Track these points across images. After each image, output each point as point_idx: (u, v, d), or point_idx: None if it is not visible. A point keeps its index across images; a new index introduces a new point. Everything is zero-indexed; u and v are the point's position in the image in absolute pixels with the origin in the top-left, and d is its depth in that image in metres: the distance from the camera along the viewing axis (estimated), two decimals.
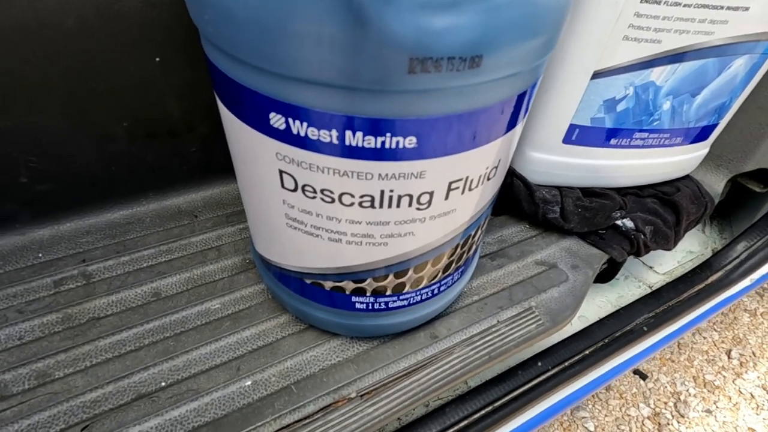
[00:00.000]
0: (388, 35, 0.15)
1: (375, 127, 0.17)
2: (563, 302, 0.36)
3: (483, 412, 0.35)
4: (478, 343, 0.32)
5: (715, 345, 0.92)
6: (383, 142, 0.18)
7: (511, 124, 0.21)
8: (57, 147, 0.33)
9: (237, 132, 0.21)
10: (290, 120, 0.18)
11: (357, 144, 0.18)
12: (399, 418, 0.36)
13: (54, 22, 0.26)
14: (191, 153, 0.39)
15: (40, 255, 0.36)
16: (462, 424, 0.34)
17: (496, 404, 0.36)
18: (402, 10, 0.15)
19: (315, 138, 0.18)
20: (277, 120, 0.18)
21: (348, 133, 0.18)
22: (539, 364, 0.38)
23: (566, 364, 0.39)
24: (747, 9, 0.32)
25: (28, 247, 0.36)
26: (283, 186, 0.21)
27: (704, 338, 0.93)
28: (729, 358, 0.90)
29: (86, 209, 0.38)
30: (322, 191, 0.20)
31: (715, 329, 0.95)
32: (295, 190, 0.21)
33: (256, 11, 0.15)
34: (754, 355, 0.91)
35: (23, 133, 0.31)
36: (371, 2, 0.14)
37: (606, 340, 0.42)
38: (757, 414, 0.81)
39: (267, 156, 0.20)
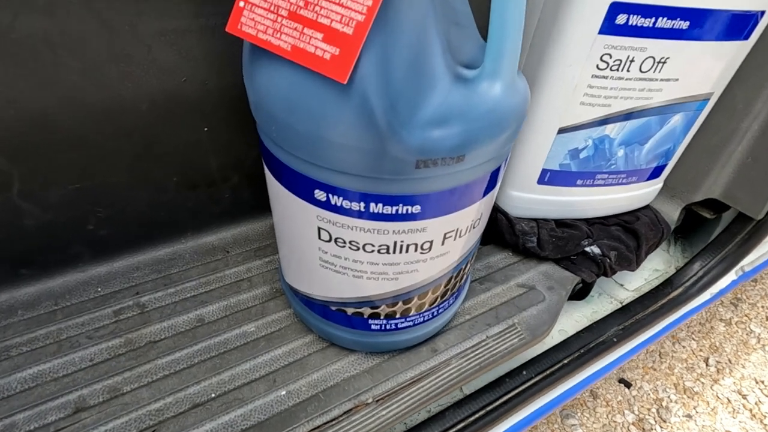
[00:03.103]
0: (403, 146, 0.22)
1: (391, 200, 0.25)
2: (541, 319, 0.43)
3: (477, 415, 0.41)
4: (471, 356, 0.39)
5: (693, 353, 0.98)
6: (397, 210, 0.25)
7: (488, 190, 0.28)
8: (120, 199, 0.40)
9: (284, 199, 0.28)
10: (330, 195, 0.25)
11: (378, 211, 0.25)
12: (405, 423, 0.42)
13: (133, 106, 0.34)
14: (224, 198, 0.46)
15: (99, 289, 0.42)
16: (459, 426, 0.41)
17: (488, 408, 0.42)
18: (411, 128, 0.22)
19: (348, 207, 0.25)
20: (320, 194, 0.25)
21: (372, 204, 0.25)
22: (524, 372, 0.45)
23: (547, 372, 0.46)
24: (677, 80, 0.41)
25: (89, 282, 0.42)
26: (319, 238, 0.28)
27: (683, 347, 0.99)
28: (707, 365, 0.96)
29: (136, 248, 0.45)
30: (350, 242, 0.27)
31: (693, 338, 1.01)
32: (329, 241, 0.28)
33: (310, 128, 0.23)
34: (730, 362, 0.97)
35: (97, 190, 0.38)
36: (392, 125, 0.22)
37: (581, 351, 0.49)
38: (734, 417, 0.87)
39: (309, 217, 0.27)
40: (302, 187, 0.26)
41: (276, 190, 0.29)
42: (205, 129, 0.39)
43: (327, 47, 0.20)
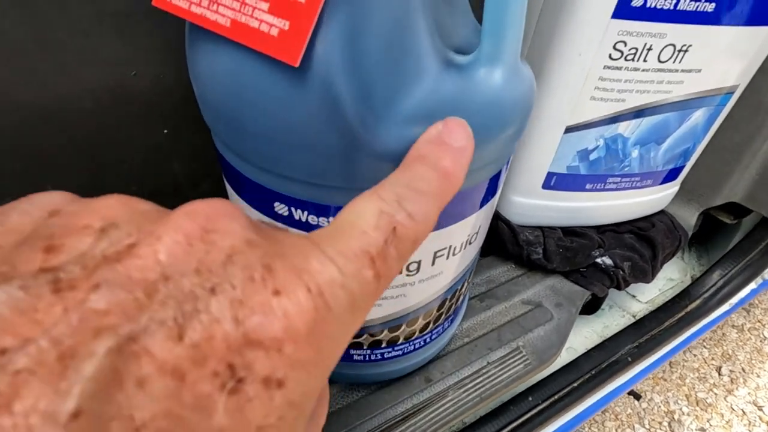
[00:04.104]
0: (378, 146, 0.17)
1: None
2: (549, 340, 0.38)
3: None
4: (470, 385, 0.34)
5: (705, 362, 0.93)
6: None
7: (487, 199, 0.23)
8: None
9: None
10: (292, 209, 0.20)
11: None
12: None
13: (73, 104, 0.29)
14: None
15: None
16: None
17: None
18: (390, 124, 0.17)
19: (315, 223, 0.21)
20: (281, 208, 0.21)
21: None
22: (530, 398, 0.40)
23: (556, 397, 0.41)
24: (699, 71, 0.36)
25: None
26: None
27: (694, 356, 0.94)
28: (720, 374, 0.91)
29: None
30: None
31: (704, 346, 0.96)
32: None
33: (264, 127, 0.18)
34: (744, 371, 0.92)
35: None
36: (364, 120, 0.17)
37: (593, 372, 0.44)
38: (750, 431, 0.82)
39: None
40: (260, 199, 0.21)
41: (235, 203, 0.24)
42: (165, 131, 0.34)
43: (273, 20, 0.15)
